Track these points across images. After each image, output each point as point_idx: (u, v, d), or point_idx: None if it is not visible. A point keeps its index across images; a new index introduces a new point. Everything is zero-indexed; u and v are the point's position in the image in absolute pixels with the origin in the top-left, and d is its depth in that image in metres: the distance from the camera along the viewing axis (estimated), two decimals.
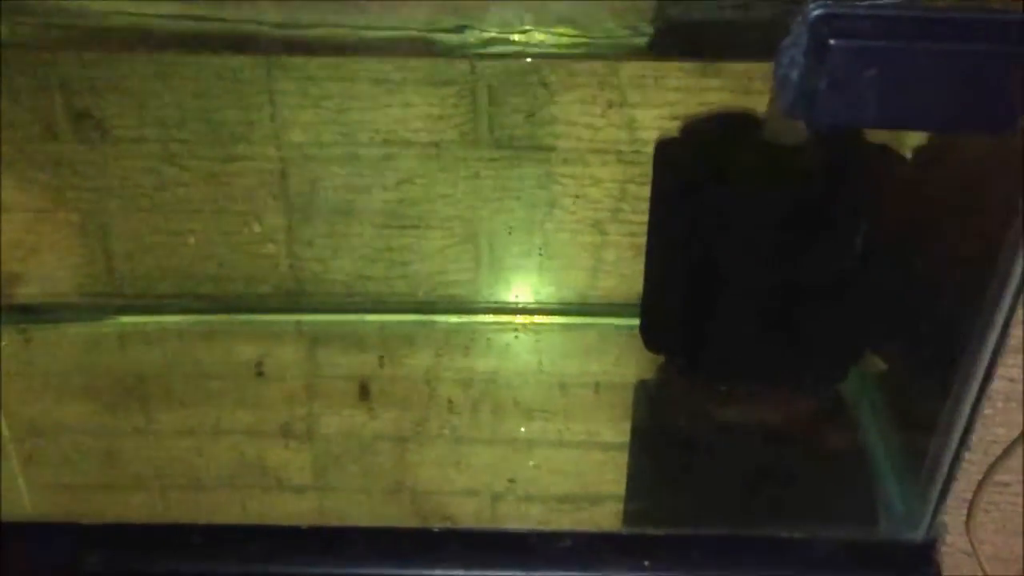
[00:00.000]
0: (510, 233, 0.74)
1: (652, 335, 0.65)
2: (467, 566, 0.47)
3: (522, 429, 0.64)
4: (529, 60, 0.66)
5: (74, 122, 0.70)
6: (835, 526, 0.52)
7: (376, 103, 0.70)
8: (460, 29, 0.48)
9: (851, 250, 0.53)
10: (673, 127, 0.64)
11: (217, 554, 0.47)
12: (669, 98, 0.68)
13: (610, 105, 0.69)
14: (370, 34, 0.49)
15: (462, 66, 0.68)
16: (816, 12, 0.32)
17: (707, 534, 0.48)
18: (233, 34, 0.50)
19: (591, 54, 0.62)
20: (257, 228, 0.74)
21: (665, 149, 0.58)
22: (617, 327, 0.75)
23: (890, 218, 0.54)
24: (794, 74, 0.33)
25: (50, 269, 0.76)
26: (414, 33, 0.49)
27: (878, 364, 0.63)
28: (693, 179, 0.55)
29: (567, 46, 0.49)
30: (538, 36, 0.48)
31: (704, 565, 0.47)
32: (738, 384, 0.61)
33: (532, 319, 0.78)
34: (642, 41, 0.48)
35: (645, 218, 0.72)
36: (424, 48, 0.50)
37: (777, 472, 0.57)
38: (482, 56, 0.64)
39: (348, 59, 0.68)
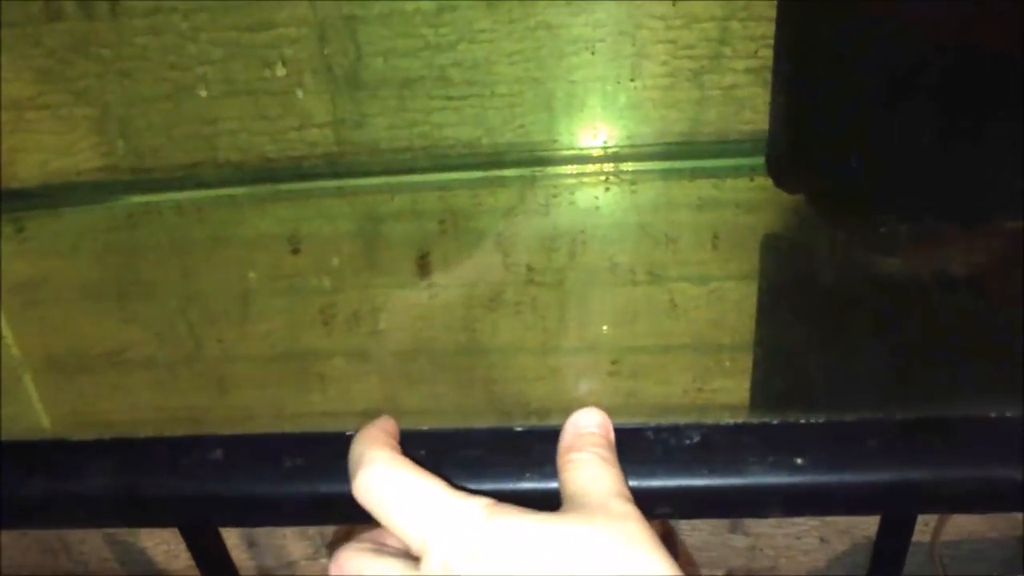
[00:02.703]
0: (591, 87, 0.62)
1: (784, 169, 0.51)
2: None
3: (623, 304, 0.51)
4: None
5: None
6: None
7: None
8: None
9: None
10: None
11: (244, 471, 0.37)
12: None
13: None
14: None
15: None
16: None
17: (877, 420, 0.37)
18: None
19: None
20: (282, 71, 0.63)
21: None
22: (735, 168, 0.62)
23: None
24: None
25: (59, 153, 0.67)
26: None
27: None
28: None
29: None
30: None
31: (874, 458, 0.36)
32: (903, 222, 0.46)
33: (625, 166, 0.64)
34: None
35: (752, 63, 0.60)
36: None
37: (960, 337, 0.44)
38: None
39: None
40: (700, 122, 0.63)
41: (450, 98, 0.64)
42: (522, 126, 0.63)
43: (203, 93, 0.63)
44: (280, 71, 0.63)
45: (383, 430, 0.34)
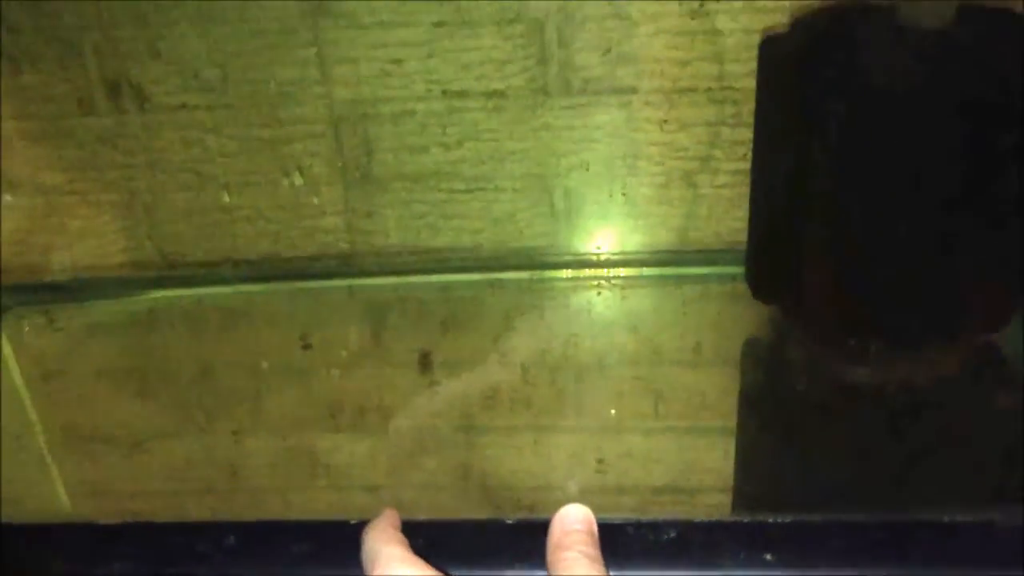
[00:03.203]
0: (586, 183, 0.66)
1: (762, 282, 0.55)
2: None
3: (610, 402, 0.55)
4: None
5: (110, 92, 0.65)
6: (997, 509, 0.42)
7: (433, 50, 0.63)
8: None
9: (1015, 162, 0.43)
10: (781, 23, 0.55)
11: (255, 556, 0.40)
12: (764, 20, 0.60)
13: (697, 34, 0.61)
14: None
15: (527, 1, 0.60)
16: None
17: (841, 520, 0.40)
18: None
19: None
20: (299, 180, 0.67)
21: (774, 46, 0.49)
22: (717, 277, 0.66)
23: None
24: None
25: (86, 247, 0.71)
26: None
27: None
28: (810, 79, 0.45)
29: None
30: None
31: (840, 557, 0.39)
32: (871, 337, 0.50)
33: (617, 272, 0.68)
34: None
35: (740, 166, 0.64)
36: None
37: (924, 444, 0.47)
38: None
39: (399, 1, 0.61)
40: (689, 227, 0.67)
41: (455, 191, 0.68)
42: (521, 231, 0.67)
43: (224, 189, 0.68)
44: (296, 164, 0.67)
45: (392, 525, 0.37)
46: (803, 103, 0.46)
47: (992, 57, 0.42)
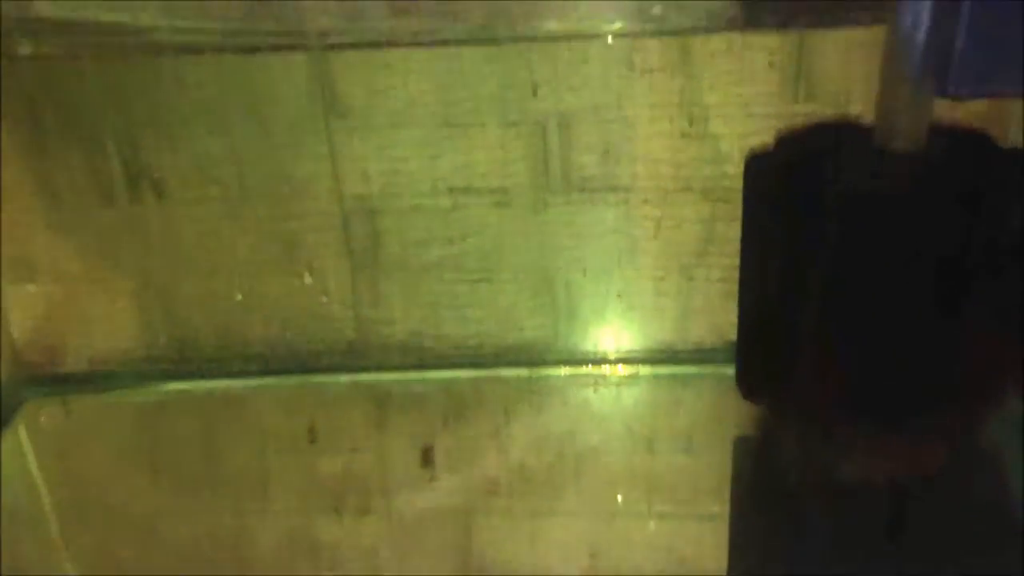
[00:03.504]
0: (585, 276, 0.68)
1: (751, 382, 0.57)
2: None
3: (605, 496, 0.57)
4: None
5: (130, 184, 0.68)
6: None
7: (439, 149, 0.65)
8: None
9: (992, 273, 0.45)
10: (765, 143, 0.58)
11: None
12: (757, 125, 0.63)
13: (692, 137, 0.64)
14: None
15: (528, 104, 0.63)
16: None
17: None
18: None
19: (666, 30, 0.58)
20: (309, 280, 0.70)
21: (757, 164, 0.52)
22: (710, 375, 0.68)
23: None
24: (920, 32, 0.27)
25: (102, 335, 0.73)
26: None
27: None
28: (793, 196, 0.48)
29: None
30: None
31: None
32: (857, 432, 0.52)
33: (613, 370, 0.71)
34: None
35: (735, 261, 0.66)
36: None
37: (912, 536, 0.48)
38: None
39: (410, 103, 0.64)
40: (686, 319, 0.69)
41: (458, 282, 0.70)
42: (522, 323, 0.70)
43: (237, 281, 0.70)
44: (307, 261, 0.69)
45: None
46: (787, 213, 0.48)
47: (962, 174, 0.45)
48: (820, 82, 0.61)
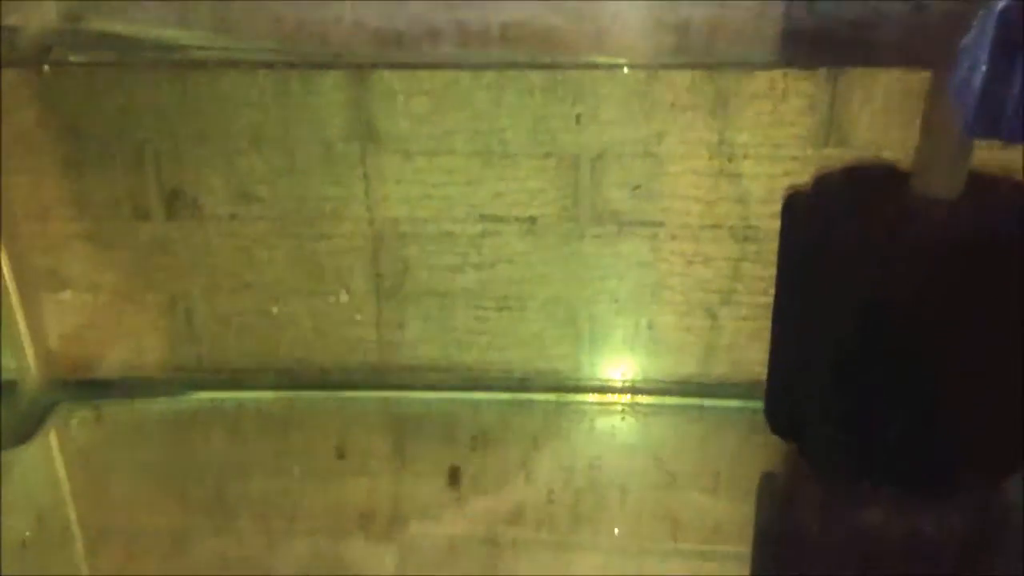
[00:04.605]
0: (611, 308, 0.69)
1: (780, 418, 0.57)
2: None
3: (630, 528, 0.58)
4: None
5: (167, 200, 0.69)
6: None
7: (473, 177, 0.66)
8: None
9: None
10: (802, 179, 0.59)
11: None
12: (787, 168, 0.64)
13: (723, 176, 0.65)
14: None
15: (564, 136, 0.64)
16: (1004, 2, 0.27)
17: None
18: None
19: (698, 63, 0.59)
20: (345, 297, 0.70)
21: (795, 204, 0.52)
22: (739, 409, 0.69)
23: None
24: (976, 80, 0.28)
25: (133, 346, 0.74)
26: None
27: None
28: (829, 238, 0.49)
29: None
30: None
31: None
32: (884, 481, 0.52)
33: (640, 399, 0.71)
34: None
35: (760, 299, 0.67)
36: None
37: None
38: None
39: (446, 132, 0.65)
40: (710, 357, 0.70)
41: (485, 309, 0.71)
42: (551, 350, 0.70)
43: (269, 298, 0.71)
44: (335, 283, 0.70)
45: None
46: (823, 256, 0.49)
47: (997, 222, 0.46)
48: (852, 128, 0.62)
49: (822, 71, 0.60)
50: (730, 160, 0.64)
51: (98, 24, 0.61)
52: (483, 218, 0.68)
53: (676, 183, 0.66)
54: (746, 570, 0.53)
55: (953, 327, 0.46)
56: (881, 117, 0.61)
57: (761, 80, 0.61)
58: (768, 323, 0.63)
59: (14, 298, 0.71)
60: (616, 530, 0.58)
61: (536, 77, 0.63)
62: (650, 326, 0.70)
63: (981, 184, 0.46)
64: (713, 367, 0.70)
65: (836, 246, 0.47)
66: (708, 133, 0.64)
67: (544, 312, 0.70)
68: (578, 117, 0.64)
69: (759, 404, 0.62)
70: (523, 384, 0.72)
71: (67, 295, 0.72)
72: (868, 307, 0.47)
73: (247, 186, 0.68)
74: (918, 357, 0.47)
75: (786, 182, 0.64)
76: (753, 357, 0.69)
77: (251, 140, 0.67)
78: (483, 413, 0.71)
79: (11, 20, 0.59)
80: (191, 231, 0.70)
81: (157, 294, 0.72)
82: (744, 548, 0.55)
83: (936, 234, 0.45)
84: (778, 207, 0.61)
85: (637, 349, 0.70)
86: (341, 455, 0.65)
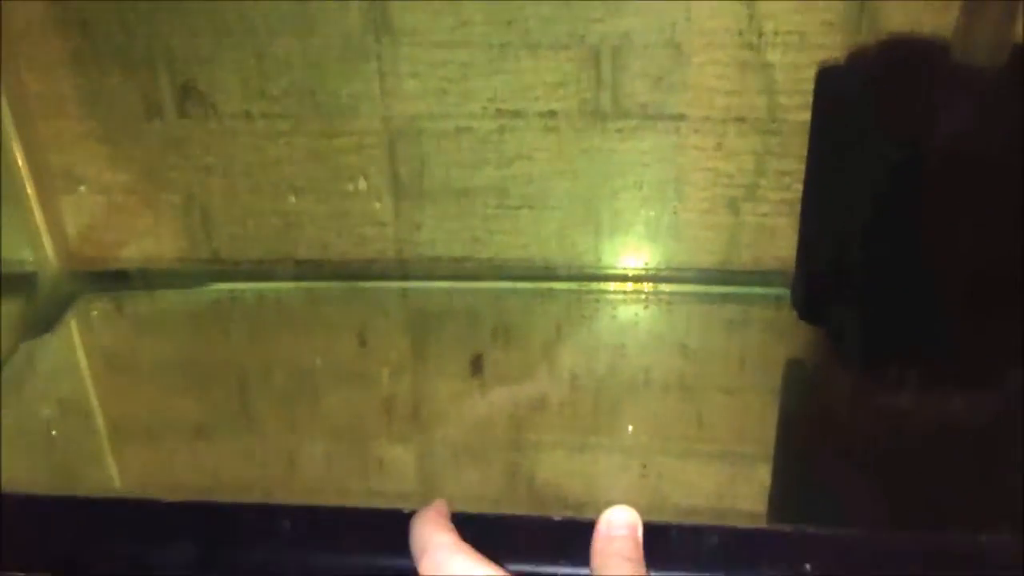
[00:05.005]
0: (632, 202, 0.68)
1: (808, 303, 0.56)
2: None
3: (655, 410, 0.58)
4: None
5: (179, 97, 0.68)
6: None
7: (490, 69, 0.65)
8: None
9: None
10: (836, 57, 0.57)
11: (311, 540, 0.42)
12: (816, 56, 0.61)
13: (748, 66, 0.63)
14: None
15: (584, 27, 0.62)
16: None
17: (882, 532, 0.41)
18: None
19: None
20: (363, 185, 0.69)
21: (829, 78, 0.50)
22: (763, 296, 0.68)
23: None
24: None
25: (148, 244, 0.73)
26: None
27: None
28: (864, 112, 0.47)
29: None
30: None
31: (881, 567, 0.40)
32: (913, 367, 0.51)
33: (663, 287, 0.71)
34: None
35: (784, 195, 0.66)
36: None
37: (961, 473, 0.48)
38: None
39: (463, 22, 0.63)
40: (734, 249, 0.69)
41: (504, 207, 0.70)
42: (572, 244, 0.70)
43: (288, 192, 0.70)
44: (351, 175, 0.69)
45: (441, 514, 0.39)
46: (858, 135, 0.47)
47: None
48: (886, 14, 0.60)
49: None
50: (755, 49, 0.62)
51: None
52: (501, 113, 0.67)
53: (700, 74, 0.64)
54: (771, 458, 0.53)
55: (992, 204, 0.44)
56: (917, 2, 0.59)
57: None
58: (793, 219, 0.62)
59: (32, 193, 0.70)
60: (640, 416, 0.58)
61: None
62: (672, 221, 0.69)
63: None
64: (736, 259, 0.69)
65: (872, 119, 0.46)
66: (733, 20, 0.62)
67: (565, 209, 0.69)
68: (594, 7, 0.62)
69: (783, 291, 0.61)
70: (546, 273, 0.71)
71: (83, 191, 0.72)
72: (903, 183, 0.45)
73: (261, 83, 0.67)
74: (953, 235, 0.46)
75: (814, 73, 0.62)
76: (774, 253, 0.68)
77: (262, 35, 0.65)
78: (505, 303, 0.70)
79: None
80: (204, 129, 0.69)
81: (169, 192, 0.71)
82: (769, 432, 0.55)
83: (979, 103, 0.43)
84: (805, 99, 0.59)
85: (659, 242, 0.70)
86: (363, 343, 0.65)
